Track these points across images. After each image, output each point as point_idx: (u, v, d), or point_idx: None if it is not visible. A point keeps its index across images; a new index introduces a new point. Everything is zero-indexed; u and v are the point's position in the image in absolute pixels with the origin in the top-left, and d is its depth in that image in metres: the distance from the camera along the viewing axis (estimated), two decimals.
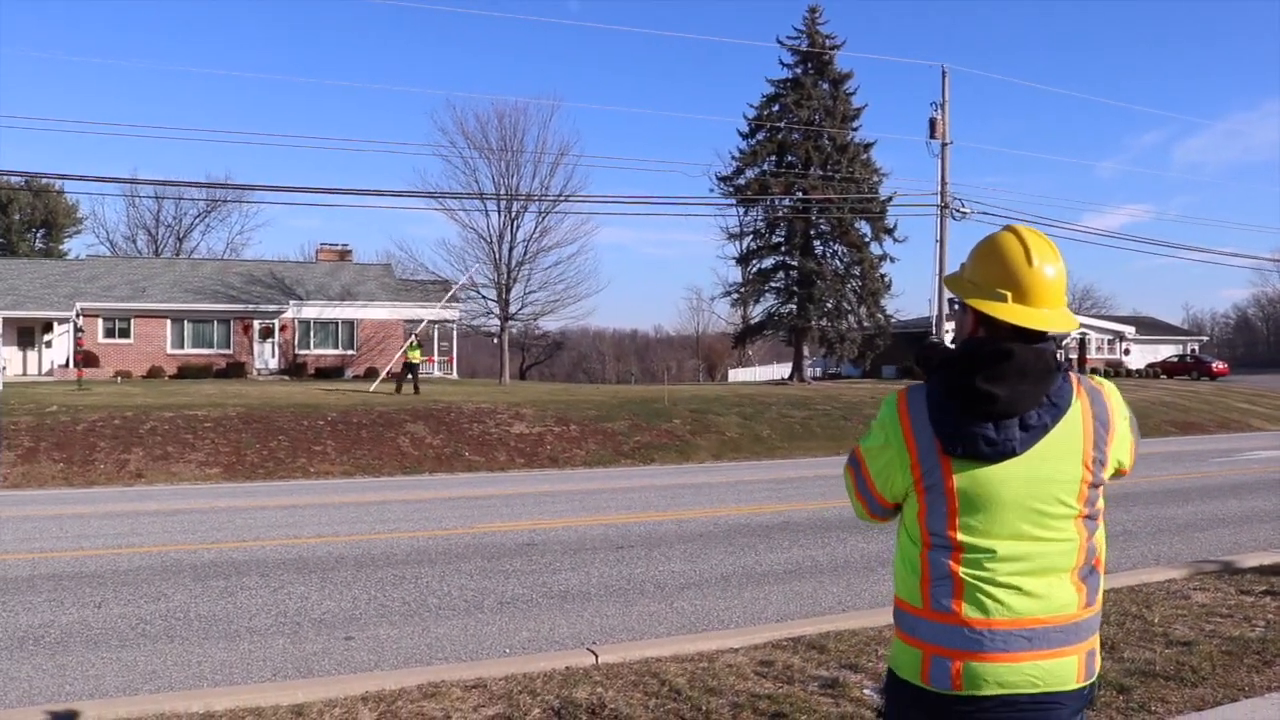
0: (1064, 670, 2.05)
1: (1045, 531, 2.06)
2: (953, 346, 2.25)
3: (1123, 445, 2.16)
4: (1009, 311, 2.10)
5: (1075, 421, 2.08)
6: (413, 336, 32.51)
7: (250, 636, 6.72)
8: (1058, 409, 2.07)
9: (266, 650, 6.39)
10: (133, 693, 5.55)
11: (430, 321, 39.46)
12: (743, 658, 5.74)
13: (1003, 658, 2.01)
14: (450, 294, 38.18)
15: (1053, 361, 2.08)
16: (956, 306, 2.28)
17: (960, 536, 2.07)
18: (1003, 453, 2.04)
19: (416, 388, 28.88)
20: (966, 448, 2.05)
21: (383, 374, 33.46)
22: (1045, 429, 2.05)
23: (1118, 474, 2.19)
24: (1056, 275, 2.12)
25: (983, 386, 2.04)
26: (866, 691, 5.06)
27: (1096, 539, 2.13)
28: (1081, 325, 57.12)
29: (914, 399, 2.15)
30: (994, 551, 2.05)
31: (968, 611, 2.04)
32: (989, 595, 2.03)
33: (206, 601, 7.69)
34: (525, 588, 8.12)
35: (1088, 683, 2.09)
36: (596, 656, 5.77)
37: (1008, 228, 2.21)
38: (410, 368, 29.53)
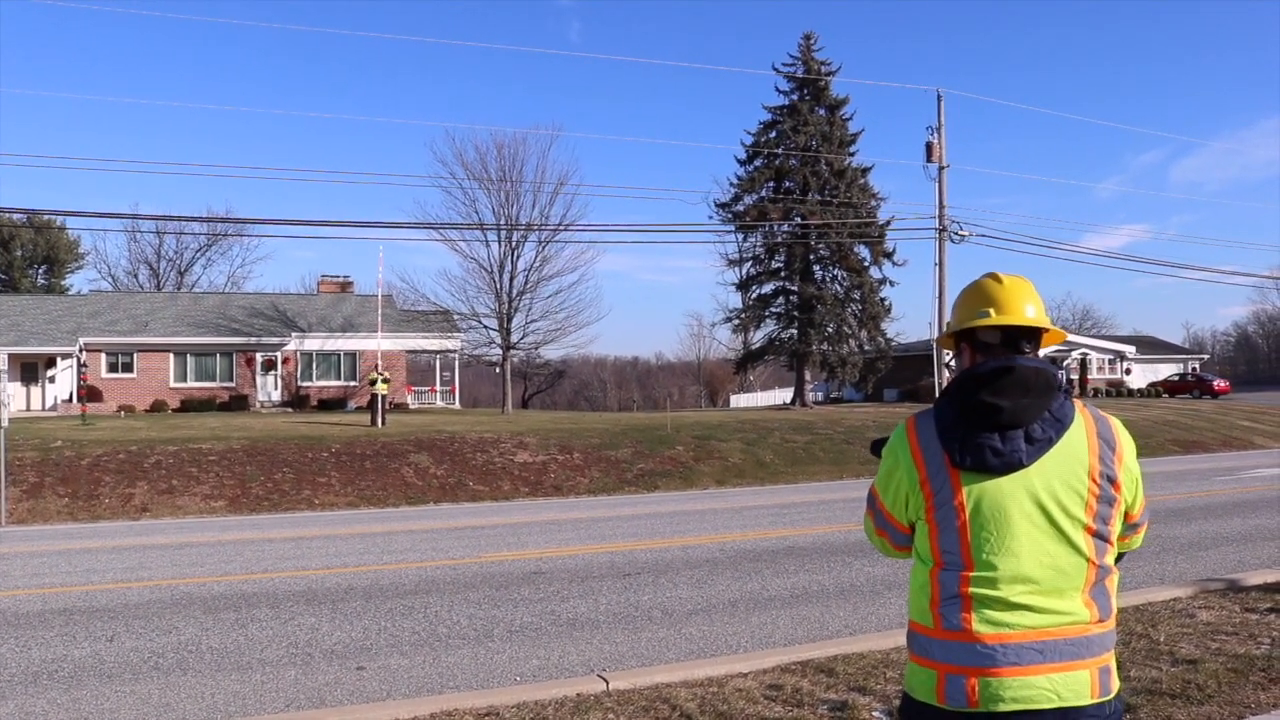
0: (1078, 684, 2.06)
1: (1055, 545, 2.10)
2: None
3: (1130, 477, 2.21)
4: (992, 320, 2.28)
5: (1080, 437, 2.16)
6: (377, 366, 31.09)
7: (262, 668, 6.76)
8: (1061, 424, 2.15)
9: (279, 681, 6.43)
10: None
11: (385, 352, 38.52)
12: (752, 682, 5.78)
13: (1016, 671, 2.04)
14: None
15: (1054, 379, 2.18)
16: (960, 356, 2.41)
17: (971, 553, 2.12)
18: (1009, 464, 2.11)
19: (383, 419, 27.78)
20: (974, 458, 2.13)
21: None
22: (1050, 442, 2.13)
23: (1126, 519, 2.23)
24: (1035, 312, 2.31)
25: (988, 399, 2.14)
26: (876, 714, 5.11)
27: (1107, 560, 2.16)
28: (1082, 346, 57.28)
29: (922, 421, 2.26)
30: (1004, 569, 2.09)
31: (978, 628, 2.07)
32: (999, 612, 2.07)
33: (218, 634, 7.74)
34: (534, 616, 8.17)
35: (1105, 699, 2.09)
36: (607, 683, 5.81)
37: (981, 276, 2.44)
38: (374, 400, 28.37)
